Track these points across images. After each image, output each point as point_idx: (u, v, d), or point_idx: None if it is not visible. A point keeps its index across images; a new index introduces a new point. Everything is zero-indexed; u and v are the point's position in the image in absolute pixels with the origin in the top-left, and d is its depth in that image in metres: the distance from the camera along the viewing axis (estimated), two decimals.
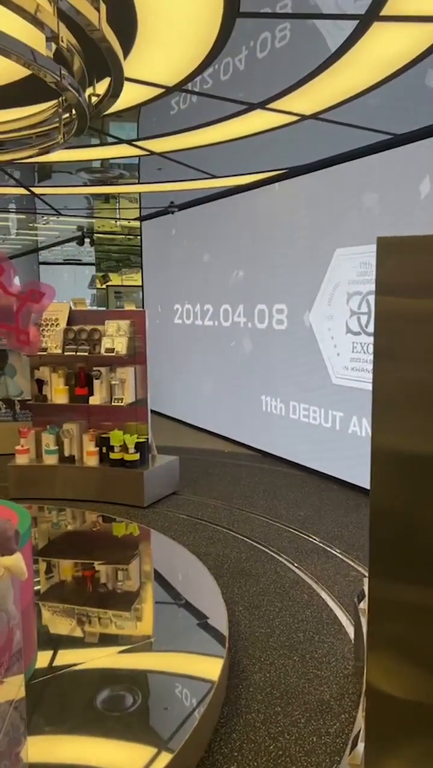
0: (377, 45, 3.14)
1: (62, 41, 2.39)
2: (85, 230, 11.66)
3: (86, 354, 5.23)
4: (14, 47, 2.30)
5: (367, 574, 3.12)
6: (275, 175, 6.23)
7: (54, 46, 2.43)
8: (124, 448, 5.21)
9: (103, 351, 5.16)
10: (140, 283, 10.04)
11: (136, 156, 5.77)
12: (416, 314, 1.63)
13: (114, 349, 5.13)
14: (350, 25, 2.99)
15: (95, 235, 12.35)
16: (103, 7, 2.32)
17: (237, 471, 6.23)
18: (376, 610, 1.85)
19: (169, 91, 3.76)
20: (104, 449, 5.30)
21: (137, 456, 5.19)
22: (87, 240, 11.84)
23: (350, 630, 3.19)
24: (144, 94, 3.85)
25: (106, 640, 2.96)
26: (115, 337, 5.17)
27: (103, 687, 2.46)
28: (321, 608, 3.44)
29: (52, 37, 2.34)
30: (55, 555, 4.02)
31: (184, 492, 5.51)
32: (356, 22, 2.90)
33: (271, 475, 6.06)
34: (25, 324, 2.78)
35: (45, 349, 5.27)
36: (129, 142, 4.93)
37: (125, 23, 2.77)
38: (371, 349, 5.27)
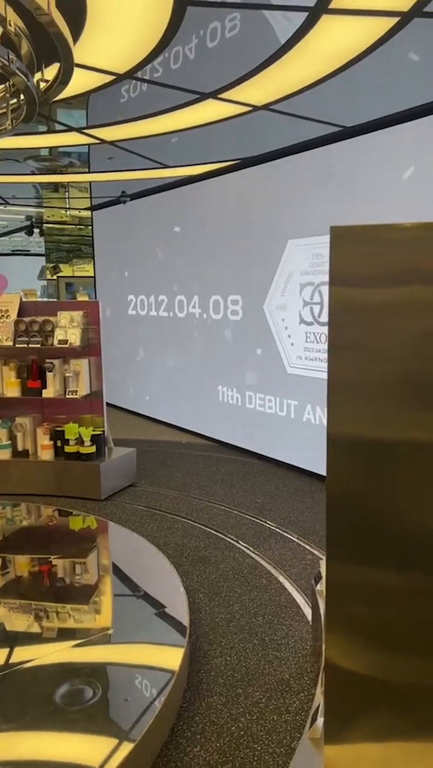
0: (326, 37, 3.19)
1: (10, 25, 2.32)
2: (33, 220, 11.39)
3: (38, 346, 5.13)
4: None
5: (323, 557, 3.21)
6: (227, 166, 6.24)
7: (1, 30, 2.37)
8: (80, 441, 5.15)
9: (56, 343, 5.08)
10: (92, 274, 9.90)
11: (87, 144, 5.67)
12: (368, 304, 1.67)
13: (67, 340, 5.05)
14: (300, 17, 3.02)
15: (44, 225, 12.08)
16: None
17: (195, 461, 6.26)
18: (333, 592, 1.91)
19: (119, 78, 3.71)
20: (59, 443, 5.23)
21: (93, 449, 5.15)
22: (36, 230, 11.56)
23: (308, 611, 3.27)
24: (94, 80, 3.79)
25: (64, 634, 2.94)
26: (68, 329, 5.09)
27: (63, 681, 2.45)
28: (279, 592, 3.52)
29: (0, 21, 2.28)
30: (10, 551, 3.96)
31: (141, 483, 5.50)
32: (306, 14, 2.93)
33: (228, 464, 6.12)
34: None
35: None
36: (79, 130, 4.84)
37: (75, 8, 2.71)
38: (323, 338, 5.38)
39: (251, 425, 6.36)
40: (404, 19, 2.98)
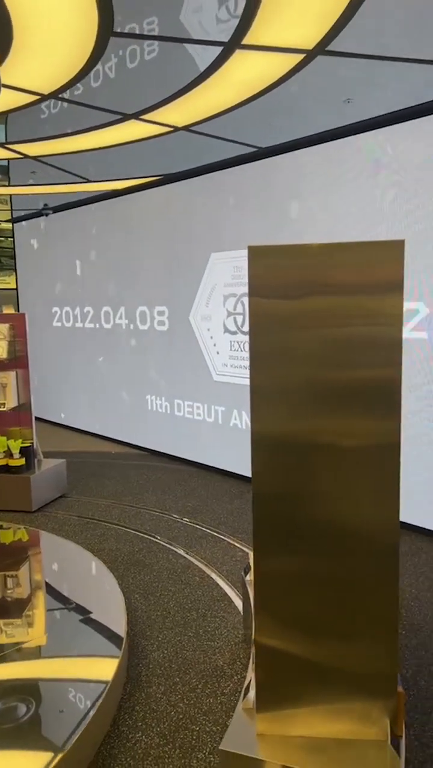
0: (241, 68, 3.45)
1: None
2: None
3: None
4: None
5: (251, 551, 3.41)
6: (150, 181, 6.43)
7: None
8: (9, 453, 5.14)
9: None
10: (14, 286, 9.77)
11: (6, 159, 5.69)
12: (280, 313, 1.90)
13: None
14: (216, 50, 3.27)
15: None
16: None
17: (125, 470, 6.35)
18: (260, 578, 2.11)
19: (44, 98, 3.83)
20: None
21: (22, 461, 5.15)
22: None
23: (239, 603, 3.47)
24: (18, 99, 3.87)
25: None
26: None
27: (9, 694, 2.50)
28: (212, 587, 3.70)
29: None
30: None
31: (72, 494, 5.54)
32: (220, 48, 3.18)
33: (159, 472, 6.25)
34: None
35: None
36: (2, 145, 4.88)
37: (1, 32, 2.83)
38: (247, 347, 5.65)
39: (180, 432, 6.53)
40: (309, 56, 3.29)
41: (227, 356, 5.85)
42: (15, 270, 9.44)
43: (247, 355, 5.62)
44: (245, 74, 3.54)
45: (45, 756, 2.14)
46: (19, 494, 5.06)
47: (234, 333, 5.75)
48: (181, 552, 4.23)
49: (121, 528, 4.69)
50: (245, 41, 3.08)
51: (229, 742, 1.99)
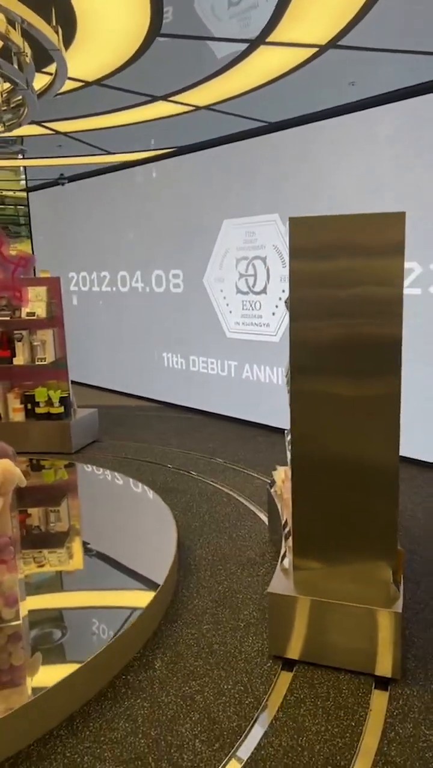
0: (263, 60, 3.99)
1: (25, 55, 2.96)
2: None
3: (8, 318, 5.68)
4: None
5: (267, 479, 4.08)
6: (166, 153, 6.92)
7: (17, 59, 2.99)
8: (50, 402, 5.78)
9: (24, 315, 5.65)
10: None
11: (40, 135, 6.15)
12: (313, 274, 2.51)
13: (35, 313, 5.63)
14: (242, 46, 3.79)
15: None
16: (60, 30, 2.92)
17: (147, 420, 7.03)
18: (297, 472, 2.78)
19: (88, 85, 4.34)
20: (29, 405, 5.83)
21: (62, 409, 5.80)
22: None
23: (262, 517, 4.19)
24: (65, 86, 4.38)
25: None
26: (34, 302, 5.67)
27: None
28: (238, 506, 4.41)
29: (19, 53, 2.91)
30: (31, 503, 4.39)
31: (104, 439, 6.21)
32: (247, 44, 3.72)
33: (178, 421, 6.93)
34: (19, 284, 3.29)
35: None
36: (39, 123, 5.38)
37: (67, 36, 3.35)
38: (258, 306, 6.27)
39: (195, 386, 7.19)
40: (322, 50, 3.83)
41: (240, 315, 6.47)
42: (30, 237, 9.92)
43: (258, 313, 6.26)
44: (264, 65, 4.07)
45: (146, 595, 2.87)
46: (60, 438, 5.73)
47: (246, 293, 6.36)
48: (208, 481, 4.93)
49: (153, 464, 5.38)
50: (269, 39, 3.62)
51: (274, 588, 2.69)
